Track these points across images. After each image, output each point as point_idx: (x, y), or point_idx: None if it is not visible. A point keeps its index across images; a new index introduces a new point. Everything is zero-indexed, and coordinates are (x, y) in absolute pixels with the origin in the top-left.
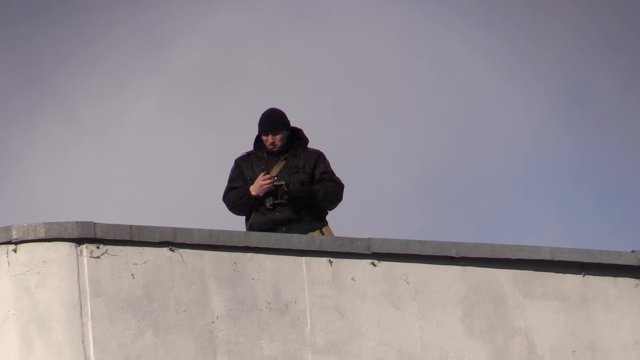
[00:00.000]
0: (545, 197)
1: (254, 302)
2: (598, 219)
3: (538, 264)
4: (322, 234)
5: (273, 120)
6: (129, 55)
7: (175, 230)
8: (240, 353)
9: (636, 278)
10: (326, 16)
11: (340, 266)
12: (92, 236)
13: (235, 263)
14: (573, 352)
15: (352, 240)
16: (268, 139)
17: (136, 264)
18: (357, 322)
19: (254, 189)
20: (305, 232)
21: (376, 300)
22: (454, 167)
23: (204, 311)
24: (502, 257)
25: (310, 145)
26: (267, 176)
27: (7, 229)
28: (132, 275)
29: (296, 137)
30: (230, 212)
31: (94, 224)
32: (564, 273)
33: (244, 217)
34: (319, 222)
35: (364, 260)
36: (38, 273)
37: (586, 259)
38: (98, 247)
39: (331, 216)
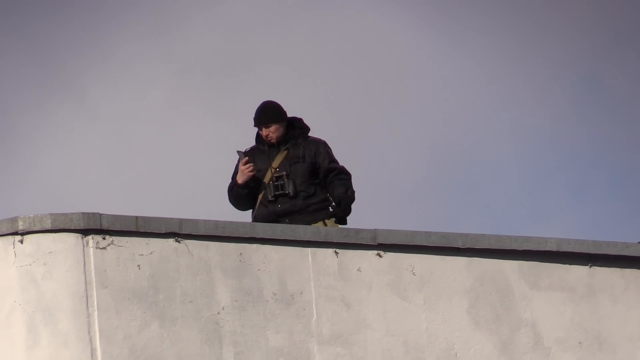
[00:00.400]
0: (558, 187)
1: (259, 293)
2: (610, 208)
3: (544, 255)
4: (325, 224)
5: (264, 113)
6: (139, 42)
7: (181, 221)
8: (246, 344)
9: None
10: (337, 2)
11: (346, 257)
12: (98, 227)
13: (241, 254)
14: (580, 343)
15: (357, 231)
16: (262, 132)
17: (142, 254)
18: (363, 313)
19: (239, 177)
20: (308, 223)
21: (382, 292)
22: (464, 156)
23: (210, 302)
24: (509, 248)
25: (318, 134)
26: (245, 160)
27: (14, 219)
28: (138, 266)
29: (297, 127)
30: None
31: (100, 214)
32: (570, 264)
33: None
34: (322, 212)
35: (370, 251)
36: (44, 264)
37: (593, 250)
38: (104, 238)
39: None
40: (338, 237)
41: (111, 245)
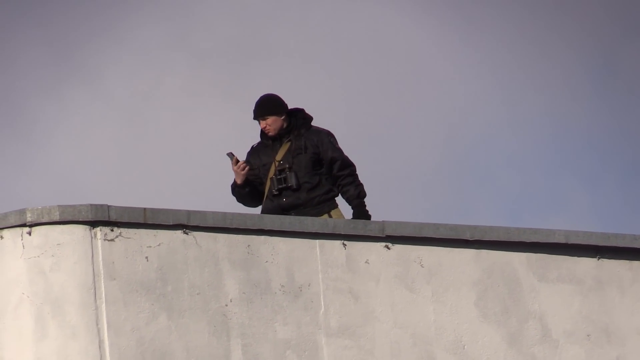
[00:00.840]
0: (570, 177)
1: (267, 285)
2: (622, 199)
3: (553, 247)
4: (330, 217)
5: (261, 106)
6: (155, 28)
7: (189, 213)
8: (254, 336)
9: None
10: None
11: (354, 249)
12: (106, 219)
13: (249, 246)
14: (588, 336)
15: (365, 223)
16: (260, 125)
17: (150, 246)
18: (371, 305)
19: (236, 178)
20: (313, 216)
21: (390, 284)
22: (476, 146)
23: (218, 294)
24: (517, 240)
25: (330, 123)
26: (235, 160)
27: (22, 211)
28: (146, 258)
29: (299, 118)
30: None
31: (108, 206)
32: (578, 256)
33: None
34: (326, 204)
35: (378, 243)
36: (52, 256)
37: (601, 242)
38: (112, 230)
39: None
40: (346, 229)
41: (119, 237)
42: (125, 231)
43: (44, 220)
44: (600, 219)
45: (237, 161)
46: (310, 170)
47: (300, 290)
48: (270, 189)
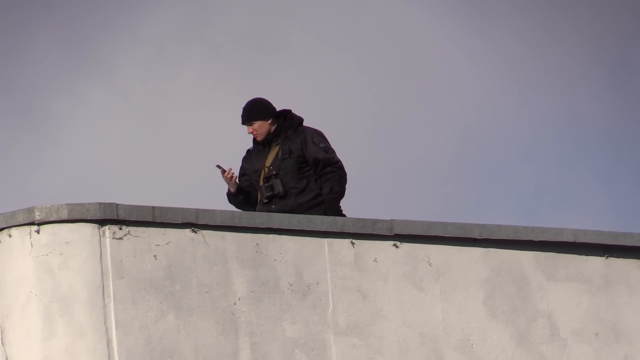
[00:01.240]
0: (588, 171)
1: (276, 283)
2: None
3: (561, 246)
4: None
5: (245, 111)
6: (170, 22)
7: (197, 211)
8: (262, 335)
9: None
10: None
11: (362, 248)
12: (115, 217)
13: (257, 244)
14: (596, 334)
15: (374, 221)
16: (248, 130)
17: (158, 245)
18: (379, 303)
19: (229, 187)
20: None
21: (398, 282)
22: (492, 138)
23: (226, 293)
24: (525, 239)
25: (344, 115)
26: (222, 170)
27: (30, 210)
28: (155, 256)
29: (287, 120)
30: None
31: (117, 205)
32: (587, 255)
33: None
34: (315, 210)
35: (386, 242)
36: (61, 254)
37: (609, 241)
38: (120, 228)
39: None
40: (354, 227)
41: (128, 236)
42: (133, 229)
43: (52, 219)
44: (615, 216)
45: (223, 171)
46: (297, 174)
47: (309, 289)
48: (260, 197)
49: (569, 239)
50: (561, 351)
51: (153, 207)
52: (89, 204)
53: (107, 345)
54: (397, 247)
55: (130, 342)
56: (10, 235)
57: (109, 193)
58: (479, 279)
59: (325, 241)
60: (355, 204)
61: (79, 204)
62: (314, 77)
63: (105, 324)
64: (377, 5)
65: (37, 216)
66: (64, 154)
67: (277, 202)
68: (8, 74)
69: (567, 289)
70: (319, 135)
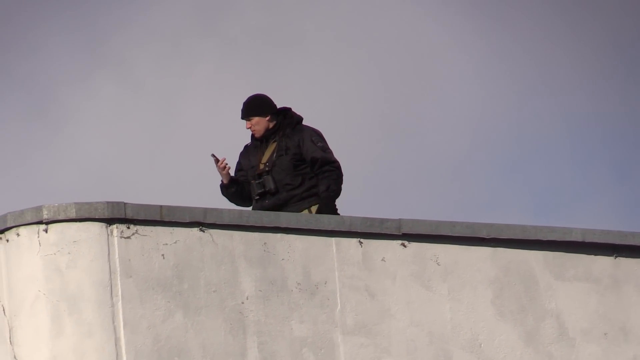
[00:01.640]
0: (599, 169)
1: (283, 282)
2: None
3: (569, 246)
4: (310, 212)
5: (245, 107)
6: (184, 18)
7: (205, 210)
8: (270, 334)
9: None
10: None
11: (370, 247)
12: (123, 216)
13: (265, 243)
14: (605, 334)
15: (382, 221)
16: (246, 125)
17: (166, 244)
18: (387, 303)
19: (222, 178)
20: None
21: (406, 282)
22: (506, 135)
23: (234, 292)
24: (533, 238)
25: (358, 111)
26: (216, 160)
27: (38, 209)
28: (163, 255)
29: (287, 117)
30: None
31: (125, 204)
32: (595, 255)
33: (233, 199)
34: (306, 201)
35: (394, 241)
36: (69, 253)
37: (618, 241)
38: (128, 227)
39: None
40: (362, 226)
41: (135, 235)
42: (141, 229)
43: (60, 218)
44: (628, 214)
45: (217, 160)
46: (292, 171)
47: (317, 288)
48: (253, 193)
49: (578, 238)
50: (570, 351)
51: (161, 206)
52: (97, 203)
53: (115, 344)
54: (405, 246)
55: (138, 341)
56: (18, 234)
57: (119, 187)
58: (487, 279)
59: (333, 240)
60: (363, 203)
61: (87, 203)
62: (326, 73)
63: (113, 322)
64: (392, 1)
65: (45, 215)
66: (76, 148)
67: (270, 198)
68: (22, 67)
69: (576, 288)
70: (317, 134)
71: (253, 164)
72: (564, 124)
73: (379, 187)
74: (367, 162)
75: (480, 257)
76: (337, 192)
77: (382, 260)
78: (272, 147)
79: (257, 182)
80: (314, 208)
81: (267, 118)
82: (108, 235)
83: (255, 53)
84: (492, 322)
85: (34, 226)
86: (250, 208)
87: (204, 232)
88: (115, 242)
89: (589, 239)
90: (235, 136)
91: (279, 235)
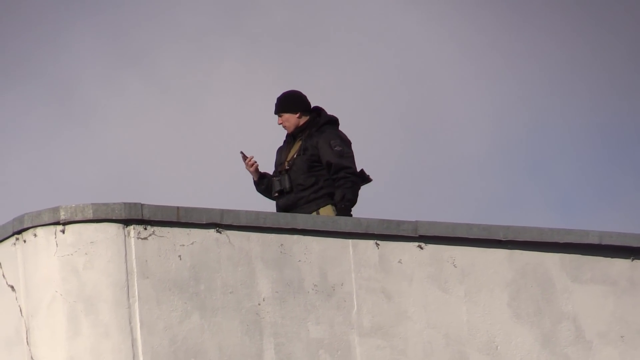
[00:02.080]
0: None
1: (300, 284)
2: None
3: (586, 248)
4: (318, 214)
5: (277, 102)
6: (210, 15)
7: (222, 211)
8: (287, 335)
9: None
10: None
11: (387, 249)
12: (140, 217)
13: (282, 245)
14: (621, 337)
15: (399, 223)
16: (278, 121)
17: (183, 245)
18: (403, 305)
19: (252, 175)
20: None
21: (423, 284)
22: (528, 134)
23: (251, 293)
24: (550, 240)
25: (379, 107)
26: (244, 157)
27: (56, 209)
28: (179, 256)
29: (315, 117)
30: None
31: (142, 205)
32: (612, 257)
33: (262, 196)
34: (315, 203)
35: (411, 243)
36: (86, 254)
37: (635, 244)
38: (145, 229)
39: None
40: (379, 228)
41: (152, 236)
42: (158, 230)
43: (77, 219)
44: None
45: (245, 157)
46: (306, 171)
47: (333, 290)
48: (272, 191)
49: (595, 241)
50: (586, 353)
51: (178, 208)
52: (114, 203)
53: (132, 345)
54: (421, 248)
55: (155, 342)
56: (35, 235)
57: (138, 187)
58: (504, 281)
59: (350, 242)
60: (380, 204)
61: (104, 204)
62: (347, 72)
63: (130, 323)
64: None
65: (63, 216)
66: (99, 146)
67: (284, 196)
68: (48, 64)
69: (593, 291)
70: (340, 138)
71: (281, 160)
72: (584, 126)
73: (396, 188)
74: (385, 163)
75: (497, 259)
76: (353, 202)
77: (399, 262)
78: (297, 145)
79: (276, 179)
80: (322, 210)
81: (297, 115)
82: (125, 236)
83: (280, 51)
84: (508, 324)
85: (51, 227)
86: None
87: (220, 233)
88: (132, 243)
89: (606, 241)
90: (259, 134)
91: (295, 237)
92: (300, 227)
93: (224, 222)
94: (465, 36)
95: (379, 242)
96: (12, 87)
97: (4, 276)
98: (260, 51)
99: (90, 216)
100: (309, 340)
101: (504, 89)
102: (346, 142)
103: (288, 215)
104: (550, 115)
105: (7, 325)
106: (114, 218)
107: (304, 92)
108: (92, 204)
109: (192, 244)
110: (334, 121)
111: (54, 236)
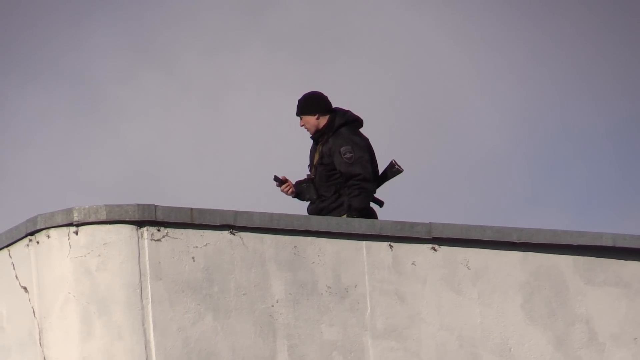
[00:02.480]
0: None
1: (314, 286)
2: None
3: (600, 251)
4: None
5: (298, 104)
6: (231, 13)
7: (235, 213)
8: (300, 337)
9: None
10: None
11: (400, 251)
12: (153, 219)
13: (295, 247)
14: (635, 339)
15: (412, 224)
16: (300, 123)
17: (197, 247)
18: (417, 307)
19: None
20: None
21: (436, 285)
22: (544, 136)
23: (264, 295)
24: (564, 243)
25: (394, 107)
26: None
27: (69, 211)
28: (193, 258)
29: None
30: None
31: (155, 206)
32: (625, 260)
33: (304, 202)
34: (335, 212)
35: (425, 245)
36: (99, 255)
37: None
38: (159, 230)
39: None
40: (393, 230)
41: (166, 237)
42: (172, 231)
43: (90, 220)
44: None
45: (281, 183)
46: (325, 181)
47: (347, 292)
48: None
49: (608, 243)
50: (599, 356)
51: (191, 209)
52: (127, 205)
53: (145, 347)
54: (435, 250)
55: (168, 344)
56: (48, 236)
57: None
58: (517, 283)
59: (364, 244)
60: (393, 206)
61: (117, 205)
62: (372, 69)
63: (143, 325)
64: (436, 0)
65: (76, 217)
66: (120, 145)
67: (314, 204)
68: (70, 62)
69: (606, 293)
70: (351, 142)
71: (310, 162)
72: (599, 128)
73: (410, 190)
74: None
75: (511, 262)
76: (360, 210)
77: (413, 264)
78: (319, 150)
79: (305, 185)
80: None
81: (316, 117)
82: (138, 237)
83: (300, 50)
84: (522, 326)
85: (64, 228)
86: (304, 203)
87: (234, 235)
88: (146, 245)
89: (620, 243)
90: (279, 135)
91: (309, 239)
92: (314, 228)
93: (238, 224)
94: (483, 37)
95: (392, 244)
96: (32, 86)
97: (17, 277)
98: (280, 50)
99: (103, 218)
100: (323, 342)
101: (520, 91)
102: (359, 145)
103: (302, 217)
104: (566, 117)
105: (20, 327)
106: (127, 219)
107: (324, 92)
108: (105, 205)
109: (205, 245)
110: (349, 122)
111: (67, 237)
